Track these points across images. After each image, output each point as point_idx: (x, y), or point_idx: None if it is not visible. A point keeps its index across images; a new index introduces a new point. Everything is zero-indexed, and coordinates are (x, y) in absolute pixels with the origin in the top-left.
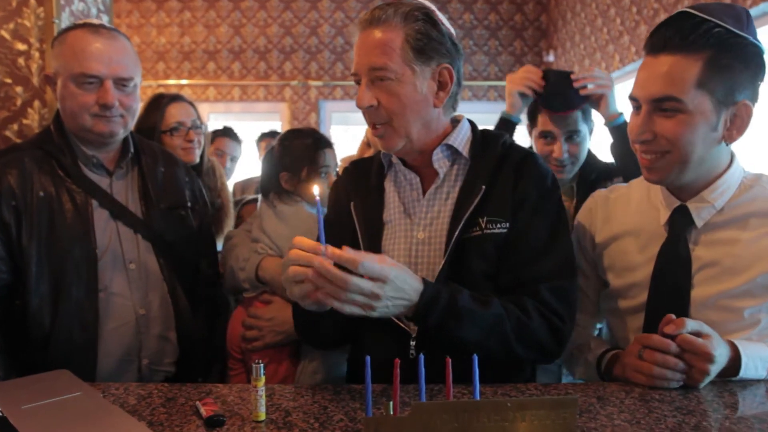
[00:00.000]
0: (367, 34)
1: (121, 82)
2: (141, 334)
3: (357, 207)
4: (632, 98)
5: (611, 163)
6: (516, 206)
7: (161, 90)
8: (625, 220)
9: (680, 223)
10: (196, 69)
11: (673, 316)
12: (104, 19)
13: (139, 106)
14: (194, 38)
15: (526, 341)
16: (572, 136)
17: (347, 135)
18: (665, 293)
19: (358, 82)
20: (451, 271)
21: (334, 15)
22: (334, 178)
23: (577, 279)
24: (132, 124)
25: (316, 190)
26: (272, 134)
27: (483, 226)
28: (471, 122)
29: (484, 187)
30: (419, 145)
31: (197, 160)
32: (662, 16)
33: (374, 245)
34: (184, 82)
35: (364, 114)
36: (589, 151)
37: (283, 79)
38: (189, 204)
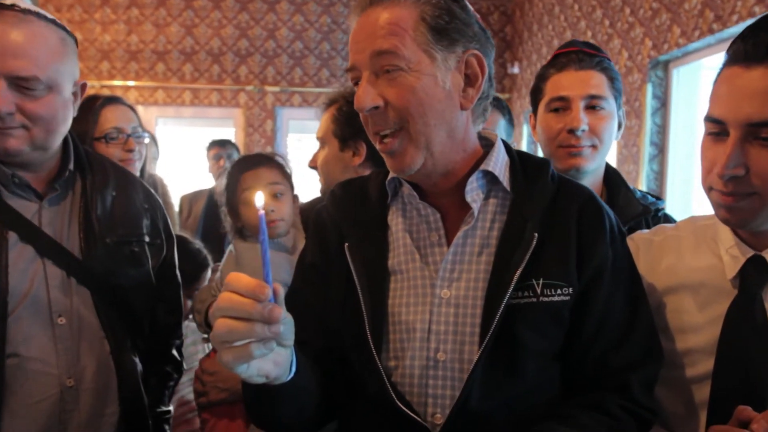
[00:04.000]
0: (368, 15)
1: (22, 83)
2: (66, 413)
3: (353, 248)
4: (714, 120)
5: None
6: (592, 273)
7: (105, 92)
8: (677, 270)
9: (755, 277)
10: (143, 70)
11: (750, 409)
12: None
13: (57, 115)
14: (142, 37)
15: None
16: (595, 105)
17: (301, 145)
18: (737, 363)
19: (356, 83)
20: (495, 344)
21: (293, 18)
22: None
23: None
24: (50, 140)
25: (259, 199)
26: (222, 143)
27: (538, 291)
28: (505, 142)
29: (536, 234)
30: (442, 163)
31: (138, 173)
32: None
33: (378, 302)
34: (130, 83)
35: (366, 121)
36: (617, 172)
37: (237, 84)
38: (146, 238)
